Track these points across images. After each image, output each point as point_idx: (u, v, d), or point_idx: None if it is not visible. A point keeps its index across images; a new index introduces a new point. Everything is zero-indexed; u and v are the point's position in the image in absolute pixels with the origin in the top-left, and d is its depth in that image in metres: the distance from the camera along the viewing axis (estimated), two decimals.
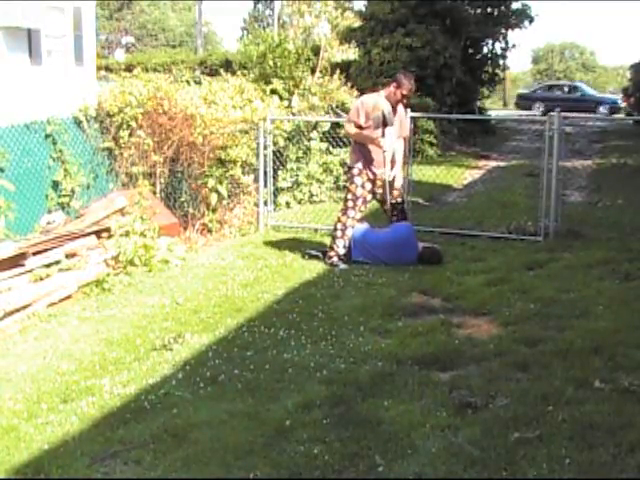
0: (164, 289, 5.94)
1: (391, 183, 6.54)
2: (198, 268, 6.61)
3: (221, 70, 12.49)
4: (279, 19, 27.93)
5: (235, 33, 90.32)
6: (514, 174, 12.93)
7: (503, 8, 21.71)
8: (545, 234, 7.33)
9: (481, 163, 15.18)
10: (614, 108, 28.46)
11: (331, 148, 10.10)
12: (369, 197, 6.62)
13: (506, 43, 22.73)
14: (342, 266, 6.43)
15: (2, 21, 12.78)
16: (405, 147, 6.94)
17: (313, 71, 11.47)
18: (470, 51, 20.95)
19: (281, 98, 10.19)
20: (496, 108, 36.88)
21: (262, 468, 3.06)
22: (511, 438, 3.23)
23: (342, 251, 6.56)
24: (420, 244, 6.59)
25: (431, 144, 14.66)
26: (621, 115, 23.82)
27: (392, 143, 6.48)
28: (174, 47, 48.47)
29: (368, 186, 6.53)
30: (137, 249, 6.41)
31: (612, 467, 2.99)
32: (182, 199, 8.37)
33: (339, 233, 6.57)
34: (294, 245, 7.29)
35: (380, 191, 6.55)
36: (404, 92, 6.38)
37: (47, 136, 7.53)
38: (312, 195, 9.74)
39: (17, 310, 5.28)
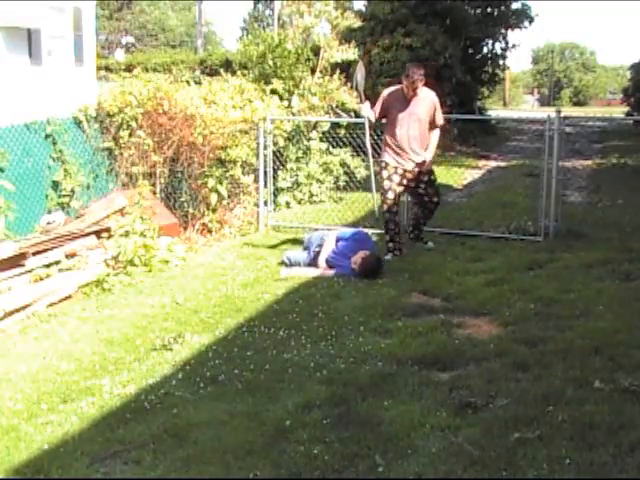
0: (164, 289, 5.94)
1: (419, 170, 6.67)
2: (198, 268, 6.61)
3: (221, 70, 12.46)
4: (279, 19, 27.93)
5: (235, 33, 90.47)
6: (514, 174, 12.94)
7: (503, 8, 21.73)
8: (545, 234, 7.32)
9: (481, 163, 15.19)
10: None
11: (331, 148, 10.10)
12: (399, 189, 6.71)
13: (506, 43, 22.78)
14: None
15: (2, 21, 12.78)
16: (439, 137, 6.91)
17: (313, 71, 11.44)
18: (470, 51, 20.96)
19: (281, 98, 10.18)
20: (496, 108, 36.95)
21: (262, 468, 3.06)
22: (511, 438, 3.23)
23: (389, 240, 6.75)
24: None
25: None
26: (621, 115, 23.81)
27: (407, 130, 6.57)
28: (174, 47, 48.50)
29: (396, 178, 6.64)
30: (137, 249, 6.41)
31: (612, 467, 2.99)
32: (182, 199, 8.36)
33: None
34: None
35: (413, 184, 6.69)
36: (405, 81, 6.48)
37: (47, 136, 7.53)
38: (312, 195, 9.74)
39: (17, 310, 5.29)
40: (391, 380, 3.93)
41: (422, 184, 6.73)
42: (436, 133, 6.76)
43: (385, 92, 6.74)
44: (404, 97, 6.55)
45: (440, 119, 6.73)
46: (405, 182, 6.69)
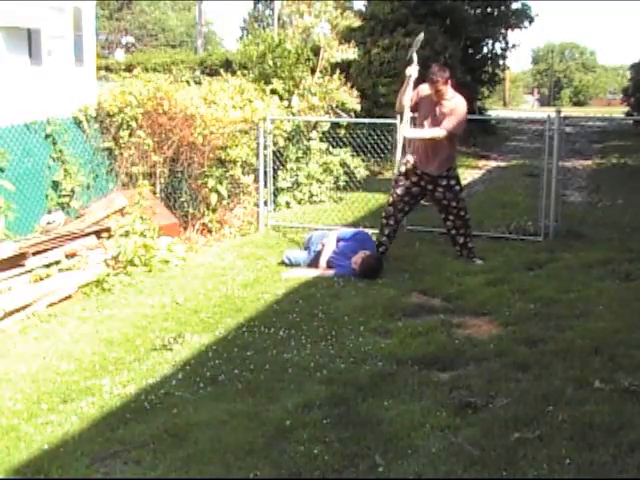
0: (164, 289, 5.94)
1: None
2: (198, 268, 6.61)
3: (221, 70, 12.46)
4: (279, 19, 27.92)
5: (235, 33, 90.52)
6: (514, 174, 12.95)
7: (503, 8, 21.74)
8: (545, 234, 7.33)
9: (481, 163, 15.21)
10: None
11: (331, 148, 10.11)
12: (414, 189, 6.58)
13: (506, 43, 22.79)
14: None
15: (2, 21, 12.76)
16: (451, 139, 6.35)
17: (313, 71, 11.44)
18: (470, 51, 20.97)
19: (281, 98, 10.18)
20: (496, 108, 36.96)
21: (262, 468, 3.06)
22: (511, 438, 3.23)
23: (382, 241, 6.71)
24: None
25: None
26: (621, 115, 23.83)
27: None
28: (174, 47, 48.48)
29: (413, 178, 6.54)
30: (137, 249, 6.41)
31: (612, 467, 2.99)
32: (182, 199, 8.36)
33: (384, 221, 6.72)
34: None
35: (430, 187, 6.54)
36: (428, 82, 6.26)
37: (47, 136, 7.53)
38: (312, 195, 9.75)
39: (17, 310, 5.28)
40: (391, 380, 3.93)
41: (440, 188, 6.51)
42: (436, 129, 6.21)
43: (420, 87, 6.38)
44: (432, 100, 6.29)
45: (447, 124, 6.16)
46: (422, 184, 6.54)
